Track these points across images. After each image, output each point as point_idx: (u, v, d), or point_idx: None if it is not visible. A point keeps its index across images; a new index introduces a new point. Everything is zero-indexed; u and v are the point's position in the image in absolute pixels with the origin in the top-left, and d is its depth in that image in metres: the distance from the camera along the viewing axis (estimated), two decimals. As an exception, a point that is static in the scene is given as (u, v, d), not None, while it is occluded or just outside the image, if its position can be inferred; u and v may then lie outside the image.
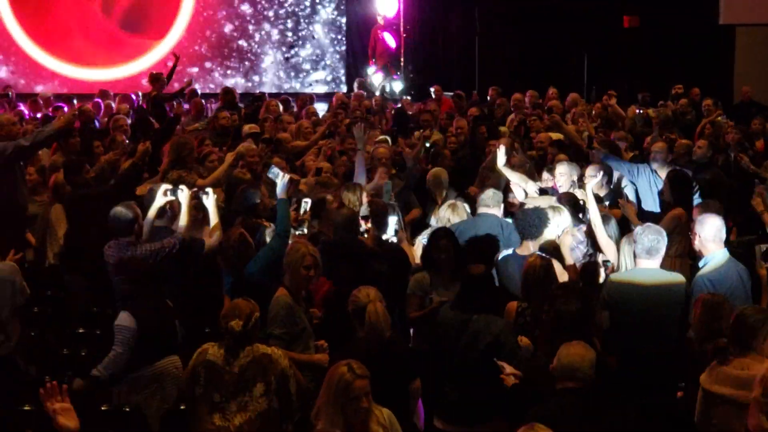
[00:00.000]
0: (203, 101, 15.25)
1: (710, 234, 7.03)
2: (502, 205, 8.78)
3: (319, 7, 21.08)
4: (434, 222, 8.77)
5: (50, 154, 11.38)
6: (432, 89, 17.40)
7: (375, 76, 19.93)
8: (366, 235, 8.05)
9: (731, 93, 18.74)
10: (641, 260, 6.96)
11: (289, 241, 7.27)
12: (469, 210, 8.85)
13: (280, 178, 7.50)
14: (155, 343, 6.65)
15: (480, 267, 6.74)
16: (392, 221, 8.21)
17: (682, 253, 8.41)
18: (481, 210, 8.58)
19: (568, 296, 6.10)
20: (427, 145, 11.63)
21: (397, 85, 19.61)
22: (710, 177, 10.16)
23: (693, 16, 19.64)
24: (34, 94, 16.58)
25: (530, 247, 7.62)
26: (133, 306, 6.71)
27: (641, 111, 14.32)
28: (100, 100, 15.86)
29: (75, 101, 15.44)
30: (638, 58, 19.49)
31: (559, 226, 7.89)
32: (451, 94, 16.76)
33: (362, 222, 8.12)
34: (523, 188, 9.47)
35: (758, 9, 19.10)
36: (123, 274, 7.01)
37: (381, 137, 12.02)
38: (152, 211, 7.83)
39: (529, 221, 7.68)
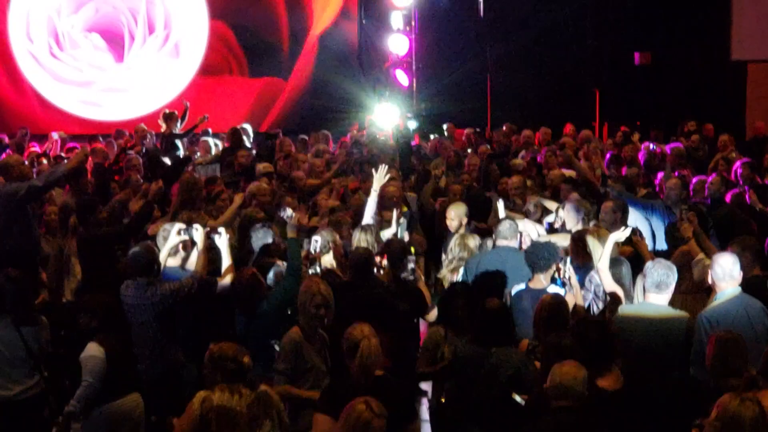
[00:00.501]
0: (210, 141, 15.33)
1: (720, 272, 7.04)
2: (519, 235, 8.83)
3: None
4: (445, 256, 8.84)
5: (63, 194, 11.42)
6: (445, 126, 17.44)
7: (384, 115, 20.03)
8: (382, 272, 8.05)
9: (743, 128, 18.72)
10: (650, 294, 7.05)
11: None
12: (479, 242, 8.85)
13: (291, 218, 7.54)
14: (120, 378, 6.70)
15: (495, 301, 6.84)
16: (410, 260, 8.22)
17: (692, 289, 8.37)
18: (500, 243, 8.63)
19: (578, 329, 6.19)
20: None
21: (411, 123, 19.64)
22: (724, 212, 10.13)
23: (704, 53, 19.69)
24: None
25: (542, 280, 7.65)
26: (100, 339, 6.77)
27: (654, 147, 14.33)
28: (113, 140, 15.94)
29: (88, 142, 15.49)
30: (650, 95, 19.50)
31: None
32: (470, 130, 16.77)
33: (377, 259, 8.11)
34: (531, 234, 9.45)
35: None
36: (87, 310, 7.05)
37: (391, 175, 12.02)
38: (165, 251, 7.84)
39: (538, 254, 7.74)
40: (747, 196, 10.55)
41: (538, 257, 7.72)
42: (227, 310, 7.91)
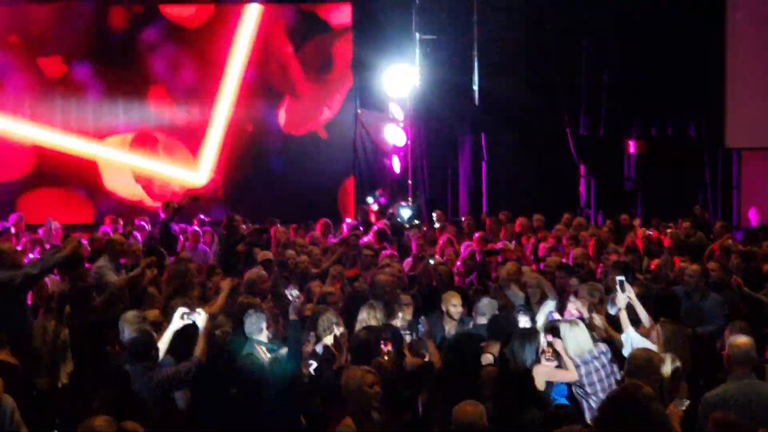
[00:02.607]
0: (199, 230, 15.36)
1: (739, 355, 6.92)
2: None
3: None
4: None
5: (59, 282, 11.35)
6: (434, 215, 17.44)
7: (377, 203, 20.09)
8: (386, 358, 7.94)
9: (738, 216, 18.79)
10: None
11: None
12: None
13: (297, 298, 7.51)
14: None
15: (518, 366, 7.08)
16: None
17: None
18: (479, 320, 8.79)
19: None
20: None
21: (406, 212, 19.66)
22: (724, 299, 10.38)
23: (699, 141, 19.86)
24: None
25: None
26: None
27: (650, 233, 14.43)
28: (109, 229, 15.90)
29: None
30: (644, 183, 19.59)
31: (576, 341, 7.99)
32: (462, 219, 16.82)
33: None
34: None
35: (764, 132, 19.29)
36: None
37: (385, 261, 11.95)
38: (168, 334, 7.77)
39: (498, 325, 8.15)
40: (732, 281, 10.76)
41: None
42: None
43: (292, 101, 20.70)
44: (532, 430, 6.47)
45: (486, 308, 8.89)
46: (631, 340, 8.18)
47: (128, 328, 7.99)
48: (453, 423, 5.64)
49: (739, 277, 10.88)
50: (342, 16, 20.77)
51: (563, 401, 7.94)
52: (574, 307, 9.24)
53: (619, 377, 7.95)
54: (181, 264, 10.24)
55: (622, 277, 8.75)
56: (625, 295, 8.57)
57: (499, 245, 13.26)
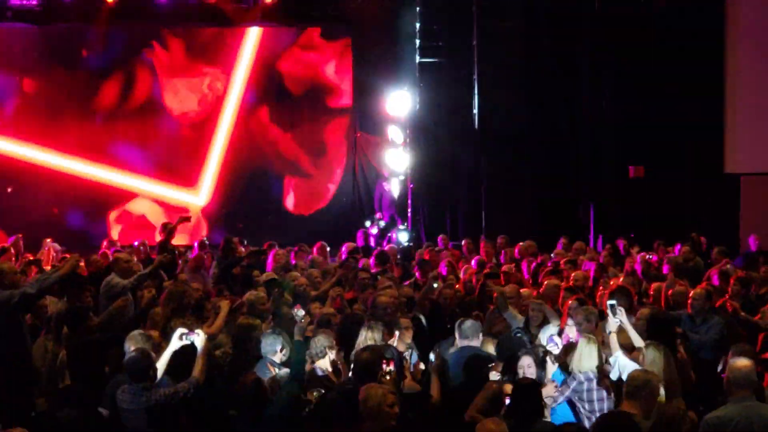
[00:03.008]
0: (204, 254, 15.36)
1: (740, 378, 6.91)
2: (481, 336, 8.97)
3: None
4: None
5: (57, 302, 11.34)
6: (439, 239, 17.44)
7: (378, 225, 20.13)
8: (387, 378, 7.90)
9: (737, 241, 18.78)
10: None
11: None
12: None
13: (303, 319, 7.50)
14: None
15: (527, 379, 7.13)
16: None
17: None
18: (461, 342, 8.80)
19: None
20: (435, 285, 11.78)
21: (403, 235, 19.67)
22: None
23: (697, 166, 19.87)
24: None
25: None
26: None
27: (651, 257, 14.43)
28: (107, 251, 15.93)
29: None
30: (643, 208, 19.60)
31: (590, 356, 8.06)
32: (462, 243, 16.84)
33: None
34: None
35: (763, 158, 19.33)
36: None
37: (386, 284, 11.93)
38: (166, 355, 7.75)
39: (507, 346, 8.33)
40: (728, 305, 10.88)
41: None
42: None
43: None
44: None
45: (469, 331, 8.85)
46: (619, 363, 8.18)
47: (133, 347, 7.96)
48: None
49: (737, 302, 10.88)
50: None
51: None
52: (572, 330, 9.24)
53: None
54: (180, 285, 10.23)
55: (613, 302, 8.78)
56: (617, 319, 8.58)
57: (504, 268, 13.28)
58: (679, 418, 7.60)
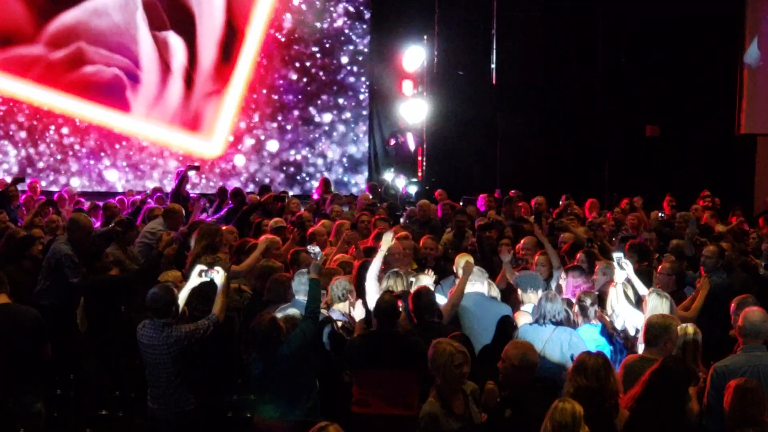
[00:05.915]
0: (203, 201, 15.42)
1: (748, 327, 6.93)
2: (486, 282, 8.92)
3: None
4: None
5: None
6: (436, 193, 17.33)
7: (397, 180, 20.13)
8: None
9: (752, 202, 18.76)
10: None
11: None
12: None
13: (319, 256, 7.51)
14: None
15: None
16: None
17: None
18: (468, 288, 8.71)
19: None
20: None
21: (414, 188, 19.67)
22: (737, 280, 10.30)
23: (713, 126, 19.82)
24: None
25: (532, 299, 8.29)
26: None
27: (663, 215, 14.41)
28: (124, 197, 16.02)
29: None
30: (659, 167, 19.57)
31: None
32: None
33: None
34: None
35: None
36: None
37: (402, 233, 11.93)
38: (185, 291, 7.73)
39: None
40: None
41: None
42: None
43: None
44: None
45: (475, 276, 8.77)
46: (624, 313, 8.20)
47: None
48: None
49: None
50: None
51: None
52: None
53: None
54: (213, 224, 10.22)
55: (620, 254, 8.81)
56: (624, 272, 8.62)
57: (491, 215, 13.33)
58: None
